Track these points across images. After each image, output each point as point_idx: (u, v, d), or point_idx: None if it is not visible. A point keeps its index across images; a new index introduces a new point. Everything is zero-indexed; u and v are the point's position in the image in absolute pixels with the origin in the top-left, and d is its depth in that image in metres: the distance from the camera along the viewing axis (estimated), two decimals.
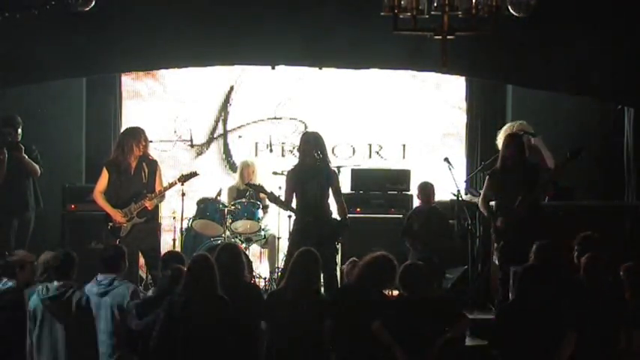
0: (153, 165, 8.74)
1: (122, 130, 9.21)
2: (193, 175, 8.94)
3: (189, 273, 6.35)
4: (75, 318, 6.47)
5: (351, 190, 9.92)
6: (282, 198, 8.30)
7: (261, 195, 9.04)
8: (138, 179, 8.61)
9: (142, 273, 9.83)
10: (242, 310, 6.43)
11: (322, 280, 7.42)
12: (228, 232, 9.48)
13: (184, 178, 8.86)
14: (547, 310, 6.19)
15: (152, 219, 8.74)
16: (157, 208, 8.88)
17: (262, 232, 9.72)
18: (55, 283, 6.53)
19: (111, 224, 8.60)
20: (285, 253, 8.54)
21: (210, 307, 6.23)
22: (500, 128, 10.39)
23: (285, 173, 8.48)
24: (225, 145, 10.86)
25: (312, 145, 8.25)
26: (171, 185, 8.71)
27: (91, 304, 6.64)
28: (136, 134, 8.66)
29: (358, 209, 9.77)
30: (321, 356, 6.55)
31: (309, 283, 6.61)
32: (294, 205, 8.27)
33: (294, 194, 8.24)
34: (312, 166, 8.21)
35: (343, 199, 8.35)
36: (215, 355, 6.24)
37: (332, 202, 8.35)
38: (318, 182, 8.23)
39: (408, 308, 6.42)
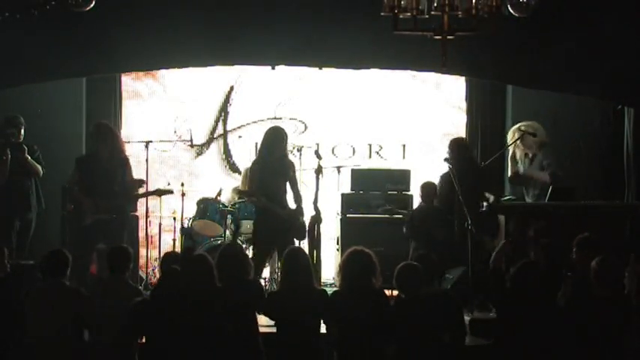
0: (124, 161, 8.87)
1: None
2: (168, 192, 9.15)
3: (188, 274, 6.35)
4: (71, 318, 6.46)
5: (351, 190, 9.94)
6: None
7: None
8: (112, 175, 8.69)
9: (142, 273, 9.86)
10: (247, 307, 6.47)
11: None
12: (228, 232, 9.47)
13: (159, 193, 9.10)
14: (541, 308, 6.24)
15: (120, 219, 8.78)
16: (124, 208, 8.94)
17: None
18: (49, 281, 6.53)
19: (73, 206, 8.75)
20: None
21: (212, 308, 6.24)
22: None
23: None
24: (225, 145, 10.85)
25: (281, 140, 8.43)
26: (143, 195, 8.96)
27: (95, 305, 6.64)
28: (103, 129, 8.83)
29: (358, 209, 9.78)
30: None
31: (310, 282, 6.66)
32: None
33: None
34: (277, 161, 8.42)
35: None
36: (218, 355, 6.26)
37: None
38: (283, 177, 8.39)
39: (405, 308, 6.43)
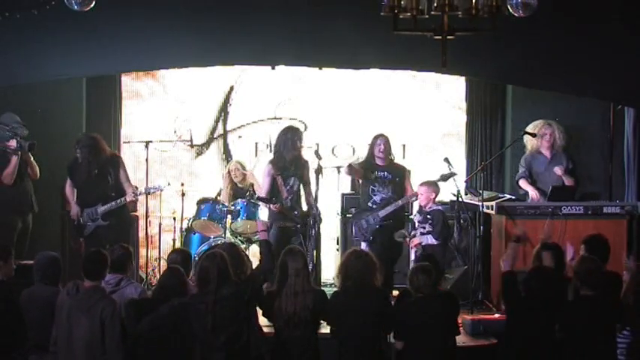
0: (116, 163, 8.89)
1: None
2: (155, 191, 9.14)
3: (199, 275, 6.38)
4: (98, 318, 6.44)
5: (351, 190, 9.94)
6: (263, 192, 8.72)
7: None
8: (103, 180, 8.71)
9: (142, 273, 9.86)
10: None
11: None
12: (228, 232, 9.47)
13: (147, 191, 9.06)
14: (551, 311, 6.26)
15: (119, 223, 8.82)
16: (124, 210, 8.94)
17: None
18: (86, 283, 6.50)
19: (75, 221, 8.78)
20: None
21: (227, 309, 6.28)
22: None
23: (268, 168, 8.64)
24: (225, 145, 10.85)
25: (297, 139, 8.42)
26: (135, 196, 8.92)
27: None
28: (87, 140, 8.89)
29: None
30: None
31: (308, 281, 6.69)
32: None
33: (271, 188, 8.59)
34: (292, 161, 8.42)
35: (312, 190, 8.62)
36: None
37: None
38: (298, 176, 8.40)
39: (415, 308, 6.43)
